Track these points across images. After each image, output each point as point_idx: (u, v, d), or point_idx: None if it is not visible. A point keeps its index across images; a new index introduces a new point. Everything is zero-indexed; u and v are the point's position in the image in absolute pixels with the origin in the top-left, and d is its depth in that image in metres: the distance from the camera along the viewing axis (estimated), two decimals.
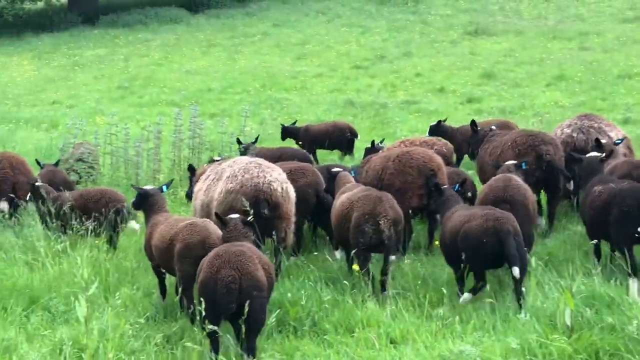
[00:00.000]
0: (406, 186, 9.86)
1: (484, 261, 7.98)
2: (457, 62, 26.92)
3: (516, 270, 7.53)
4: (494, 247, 7.76)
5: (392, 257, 8.61)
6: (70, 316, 7.92)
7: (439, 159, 10.31)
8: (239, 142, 13.31)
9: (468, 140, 13.05)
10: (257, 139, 13.51)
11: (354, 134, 16.13)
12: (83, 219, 10.11)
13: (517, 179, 9.34)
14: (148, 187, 9.37)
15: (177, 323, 7.81)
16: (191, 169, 11.73)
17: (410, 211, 9.92)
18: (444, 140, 12.38)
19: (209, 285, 6.74)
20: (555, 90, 21.55)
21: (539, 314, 7.20)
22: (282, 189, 9.17)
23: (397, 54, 28.96)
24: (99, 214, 10.14)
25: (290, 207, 9.32)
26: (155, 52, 32.52)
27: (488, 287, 8.18)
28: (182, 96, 23.56)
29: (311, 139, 16.16)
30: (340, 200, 9.14)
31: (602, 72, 23.38)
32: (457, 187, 9.53)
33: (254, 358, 6.80)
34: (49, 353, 6.99)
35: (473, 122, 12.89)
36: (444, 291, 8.23)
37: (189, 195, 10.93)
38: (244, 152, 12.54)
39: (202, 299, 6.69)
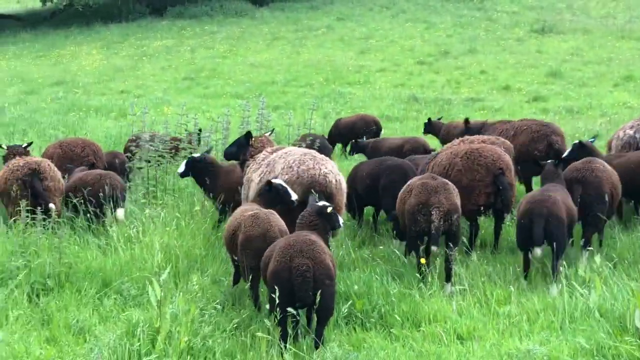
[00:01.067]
0: (474, 184, 9.82)
1: None
2: (523, 60, 26.68)
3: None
4: None
5: (434, 248, 8.64)
6: (142, 300, 8.09)
7: (508, 158, 10.23)
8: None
9: (459, 136, 13.14)
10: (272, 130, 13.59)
11: (379, 127, 16.29)
12: None
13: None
14: None
15: (245, 311, 7.91)
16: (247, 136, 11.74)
17: (480, 208, 9.88)
18: (502, 139, 12.24)
19: (283, 274, 6.79)
20: (623, 91, 21.26)
21: (608, 315, 7.17)
22: (336, 180, 9.23)
23: (462, 50, 28.80)
24: None
25: (342, 199, 9.41)
26: (221, 45, 32.75)
27: (555, 289, 8.17)
28: (246, 88, 23.74)
29: (338, 132, 16.31)
30: (405, 189, 9.19)
31: None
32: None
33: (321, 346, 6.90)
34: (123, 334, 7.12)
35: (466, 120, 13.91)
36: (511, 289, 8.24)
37: (228, 154, 10.84)
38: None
39: (275, 287, 6.79)
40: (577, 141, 11.18)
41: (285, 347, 6.87)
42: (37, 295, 8.63)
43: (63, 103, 22.26)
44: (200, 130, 14.08)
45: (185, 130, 13.74)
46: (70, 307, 8.25)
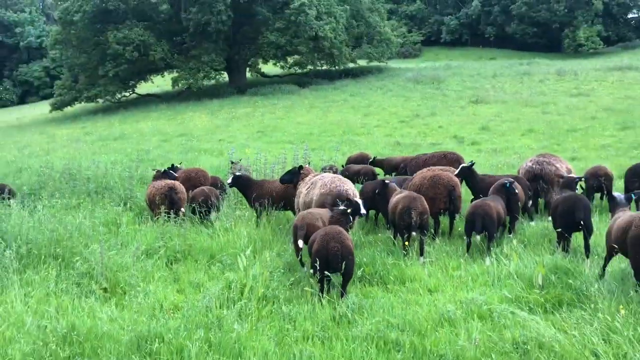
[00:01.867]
0: (436, 196, 9.78)
1: None
2: (465, 119, 26.57)
3: None
4: None
5: (413, 233, 8.61)
6: (234, 267, 8.13)
7: (456, 179, 10.20)
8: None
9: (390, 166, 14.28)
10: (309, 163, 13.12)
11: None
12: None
13: None
14: None
15: (297, 273, 7.92)
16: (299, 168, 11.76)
17: (440, 211, 9.84)
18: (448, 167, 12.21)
19: (323, 252, 6.85)
20: (527, 139, 21.06)
21: (522, 277, 7.08)
22: (353, 194, 9.36)
23: (427, 114, 28.71)
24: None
25: None
26: (279, 111, 32.97)
27: (488, 260, 8.09)
28: (295, 137, 23.83)
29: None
30: (394, 199, 9.18)
31: (557, 127, 22.76)
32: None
33: (345, 295, 6.90)
34: (223, 288, 7.16)
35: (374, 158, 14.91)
36: (461, 260, 8.18)
37: (283, 180, 10.57)
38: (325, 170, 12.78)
39: (317, 259, 6.82)
40: (463, 164, 11.17)
41: (322, 295, 6.88)
42: (171, 263, 8.72)
43: (185, 147, 22.50)
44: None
45: (232, 161, 13.69)
46: (191, 270, 8.32)
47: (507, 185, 9.43)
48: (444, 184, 9.81)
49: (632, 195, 7.72)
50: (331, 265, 6.83)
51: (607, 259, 7.09)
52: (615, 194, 7.61)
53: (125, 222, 10.53)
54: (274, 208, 10.59)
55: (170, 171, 12.43)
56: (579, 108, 27.35)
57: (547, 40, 69.46)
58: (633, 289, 6.30)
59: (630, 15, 72.78)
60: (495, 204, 8.79)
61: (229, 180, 11.24)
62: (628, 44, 65.28)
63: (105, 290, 7.48)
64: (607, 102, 28.25)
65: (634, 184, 10.86)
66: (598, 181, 11.06)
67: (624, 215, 6.95)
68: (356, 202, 8.38)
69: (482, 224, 8.35)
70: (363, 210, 8.33)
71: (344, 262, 6.80)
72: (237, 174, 11.33)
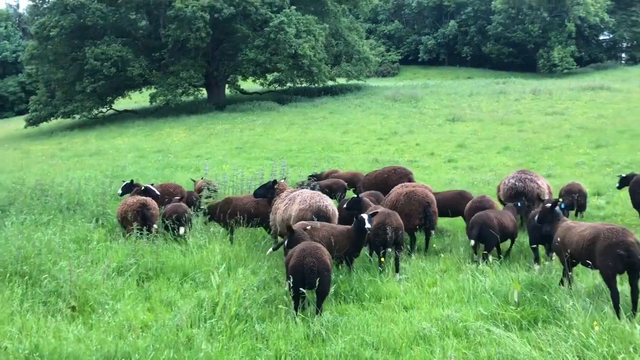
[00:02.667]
0: (412, 212, 9.74)
1: None
2: (441, 137, 26.75)
3: None
4: None
5: (389, 249, 8.53)
6: (207, 284, 7.95)
7: (432, 195, 10.17)
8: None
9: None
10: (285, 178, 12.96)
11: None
12: None
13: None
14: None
15: (272, 290, 7.77)
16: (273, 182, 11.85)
17: (415, 227, 9.78)
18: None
19: (299, 268, 6.73)
20: (503, 156, 21.24)
21: (498, 293, 7.03)
22: (332, 210, 9.29)
23: (405, 132, 28.87)
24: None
25: (335, 221, 9.34)
26: (258, 127, 32.87)
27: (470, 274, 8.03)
28: (274, 154, 23.71)
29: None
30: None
31: (533, 145, 23.02)
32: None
33: (319, 314, 6.76)
34: (195, 306, 6.99)
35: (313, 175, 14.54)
36: (437, 277, 8.11)
37: (257, 194, 10.46)
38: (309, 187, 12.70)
39: (292, 275, 6.69)
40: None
41: (296, 313, 6.73)
42: (143, 281, 8.49)
43: (161, 163, 22.23)
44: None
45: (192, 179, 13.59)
46: (163, 288, 8.11)
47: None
48: (420, 200, 9.77)
49: (562, 205, 8.17)
50: (307, 281, 6.69)
51: (569, 268, 7.11)
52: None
53: (97, 239, 10.27)
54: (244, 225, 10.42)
55: (152, 187, 12.18)
56: (554, 126, 27.75)
57: (522, 60, 70.77)
58: (607, 305, 6.28)
59: (601, 37, 74.60)
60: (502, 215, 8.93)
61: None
62: (600, 65, 66.77)
63: (73, 308, 7.24)
64: (581, 121, 28.72)
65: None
66: (572, 198, 11.14)
67: (579, 226, 7.08)
68: (361, 217, 8.12)
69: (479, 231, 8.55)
70: (367, 225, 7.96)
71: (319, 279, 6.66)
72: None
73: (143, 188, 12.01)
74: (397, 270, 8.41)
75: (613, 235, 6.46)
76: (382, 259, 8.45)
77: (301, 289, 6.70)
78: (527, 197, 10.74)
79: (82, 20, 40.68)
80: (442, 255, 9.21)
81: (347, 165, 20.18)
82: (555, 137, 24.75)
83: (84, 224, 11.07)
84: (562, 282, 7.17)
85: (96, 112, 44.90)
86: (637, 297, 6.31)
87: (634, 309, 6.25)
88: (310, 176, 14.48)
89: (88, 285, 7.69)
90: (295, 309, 6.78)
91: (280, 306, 6.92)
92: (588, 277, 7.40)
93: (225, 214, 10.64)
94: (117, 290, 7.84)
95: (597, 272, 7.55)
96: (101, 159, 24.62)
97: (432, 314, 6.77)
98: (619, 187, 12.02)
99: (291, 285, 6.70)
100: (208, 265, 8.71)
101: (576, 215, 11.47)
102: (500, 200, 11.41)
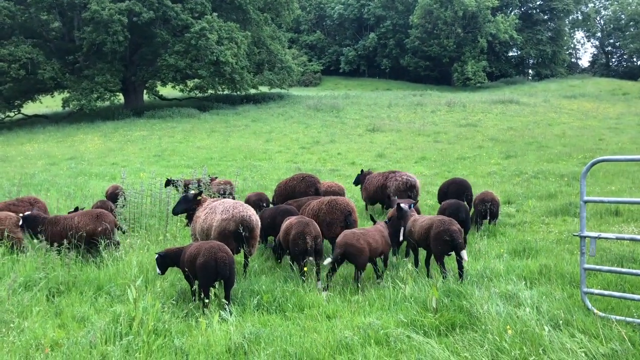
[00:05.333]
0: (333, 221, 9.79)
1: None
2: (362, 147, 27.23)
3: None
4: None
5: (310, 258, 8.53)
6: (123, 298, 7.61)
7: (353, 204, 10.29)
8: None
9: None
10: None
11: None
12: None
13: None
14: None
15: (191, 304, 7.53)
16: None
17: (337, 236, 9.82)
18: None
19: (211, 263, 7.22)
20: (421, 166, 21.90)
21: (417, 300, 7.17)
22: (256, 220, 9.05)
23: (327, 141, 29.17)
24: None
25: (258, 231, 9.16)
26: (178, 135, 32.14)
27: (389, 281, 8.14)
28: (194, 162, 23.23)
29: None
30: (285, 224, 9.14)
31: (448, 155, 23.90)
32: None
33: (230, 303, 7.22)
34: (110, 321, 6.65)
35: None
36: (358, 285, 8.17)
37: (176, 211, 10.01)
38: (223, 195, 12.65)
39: (202, 275, 7.28)
40: None
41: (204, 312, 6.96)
42: (53, 296, 8.00)
43: (74, 171, 21.19)
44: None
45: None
46: (76, 303, 7.68)
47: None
48: (341, 209, 9.85)
49: (411, 205, 9.71)
50: (221, 274, 7.21)
51: (415, 252, 9.18)
52: (403, 205, 9.45)
53: (1, 252, 9.59)
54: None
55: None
56: (468, 137, 28.99)
57: (438, 73, 73.62)
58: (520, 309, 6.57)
59: (510, 54, 78.95)
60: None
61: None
62: (509, 80, 70.64)
63: None
64: (492, 133, 30.17)
65: None
66: (485, 206, 11.62)
67: (422, 219, 8.85)
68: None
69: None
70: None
71: (228, 274, 7.22)
72: (27, 213, 10.13)
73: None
74: (317, 279, 8.40)
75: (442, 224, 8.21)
76: (306, 268, 8.42)
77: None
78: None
79: None
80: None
81: (270, 174, 20.11)
82: (469, 147, 25.85)
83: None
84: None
85: (3, 116, 42.43)
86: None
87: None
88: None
89: None
90: (206, 306, 7.17)
91: (200, 319, 6.72)
92: (501, 282, 7.70)
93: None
94: (24, 306, 7.33)
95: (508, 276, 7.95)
96: (8, 166, 23.15)
97: (354, 322, 6.79)
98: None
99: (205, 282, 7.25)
100: (124, 278, 8.33)
101: (489, 223, 11.96)
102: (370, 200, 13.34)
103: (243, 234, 8.69)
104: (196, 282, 7.50)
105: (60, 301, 7.75)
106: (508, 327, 6.04)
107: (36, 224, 9.83)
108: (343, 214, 9.77)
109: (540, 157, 22.23)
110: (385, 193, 13.29)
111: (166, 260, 7.93)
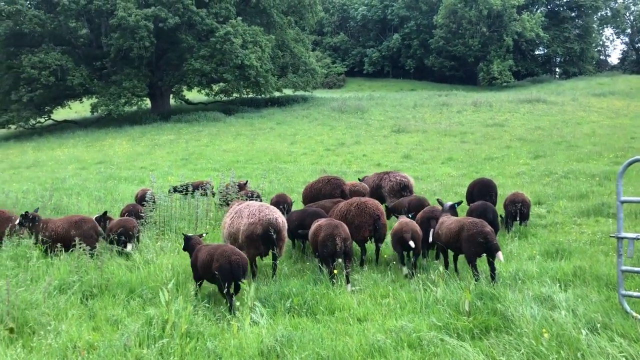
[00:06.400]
0: (362, 224, 9.74)
1: None
2: (387, 148, 27.12)
3: None
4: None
5: (339, 260, 8.49)
6: (156, 301, 7.68)
7: (382, 207, 10.23)
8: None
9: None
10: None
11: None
12: None
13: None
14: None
15: (223, 307, 7.57)
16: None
17: (366, 239, 9.79)
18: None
19: (226, 267, 7.52)
20: (447, 167, 21.70)
21: (450, 303, 7.10)
22: (282, 222, 9.11)
23: (352, 142, 29.12)
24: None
25: (285, 233, 9.22)
26: (205, 138, 32.43)
27: (420, 282, 8.07)
28: (221, 165, 23.41)
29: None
30: (314, 227, 9.12)
31: (475, 156, 23.65)
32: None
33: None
34: (143, 324, 6.72)
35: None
36: (389, 288, 8.12)
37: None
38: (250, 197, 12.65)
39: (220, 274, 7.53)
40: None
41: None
42: (87, 299, 8.13)
43: (103, 175, 21.52)
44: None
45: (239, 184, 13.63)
46: (109, 306, 7.79)
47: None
48: (370, 212, 9.80)
49: (455, 204, 9.76)
50: (235, 275, 7.50)
51: (445, 254, 9.22)
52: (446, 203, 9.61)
53: (36, 256, 9.77)
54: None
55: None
56: (495, 137, 28.65)
57: (463, 73, 72.92)
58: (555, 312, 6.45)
59: (537, 52, 77.85)
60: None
61: None
62: (536, 78, 69.60)
63: (11, 330, 6.84)
64: (520, 132, 29.77)
65: None
66: (515, 207, 11.45)
67: (449, 221, 8.80)
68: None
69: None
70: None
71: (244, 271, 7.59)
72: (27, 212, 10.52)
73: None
74: (347, 281, 8.37)
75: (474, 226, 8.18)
76: (335, 271, 8.40)
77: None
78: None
79: (18, 27, 39.16)
80: (392, 265, 9.25)
81: (295, 176, 20.14)
82: (497, 147, 25.54)
83: (22, 240, 10.53)
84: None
85: (33, 122, 43.26)
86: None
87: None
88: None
89: (28, 305, 7.29)
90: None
91: (232, 322, 6.75)
92: (534, 285, 7.58)
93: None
94: (59, 309, 7.47)
95: (542, 280, 7.82)
96: (39, 171, 23.64)
97: (385, 325, 6.75)
98: None
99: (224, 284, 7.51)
100: (156, 281, 8.43)
101: (520, 224, 11.78)
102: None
103: (273, 236, 8.72)
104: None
105: (93, 304, 7.88)
106: (544, 330, 5.93)
107: (33, 223, 10.23)
108: (372, 218, 9.71)
109: (570, 157, 21.84)
110: (380, 193, 13.55)
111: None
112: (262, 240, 8.78)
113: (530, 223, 12.06)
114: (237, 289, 7.70)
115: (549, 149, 23.98)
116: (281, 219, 9.11)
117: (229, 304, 7.43)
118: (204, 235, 9.25)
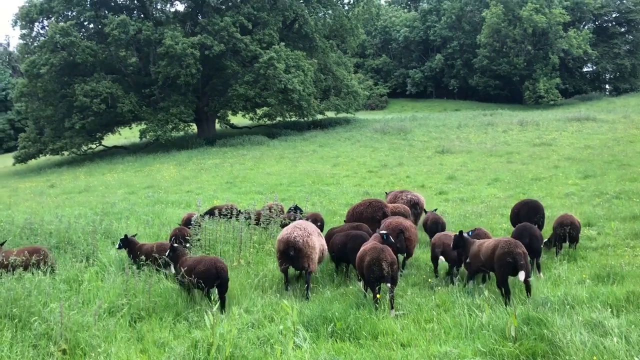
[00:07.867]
0: None
1: None
2: (431, 169, 26.89)
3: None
4: None
5: (388, 285, 8.44)
6: (201, 324, 7.83)
7: (408, 223, 10.78)
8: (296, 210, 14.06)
9: None
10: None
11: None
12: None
13: None
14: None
15: (267, 329, 7.64)
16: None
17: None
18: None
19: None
20: (493, 188, 21.33)
21: (495, 328, 6.97)
22: (304, 241, 9.70)
23: (394, 164, 29.02)
24: None
25: (308, 251, 9.70)
26: (249, 162, 32.91)
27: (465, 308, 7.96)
28: (264, 188, 23.69)
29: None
30: (361, 250, 9.09)
31: (522, 176, 23.18)
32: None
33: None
34: (189, 347, 6.86)
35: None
36: (433, 313, 8.04)
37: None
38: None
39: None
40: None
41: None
42: (135, 321, 8.35)
43: (151, 199, 22.11)
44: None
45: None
46: (156, 329, 7.98)
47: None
48: (393, 227, 10.31)
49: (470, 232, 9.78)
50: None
51: (473, 274, 9.32)
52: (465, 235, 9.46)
53: (88, 279, 10.12)
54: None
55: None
56: (542, 157, 28.06)
57: (508, 92, 71.98)
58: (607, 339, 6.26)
59: (585, 69, 76.18)
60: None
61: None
62: (584, 96, 68.03)
63: (64, 352, 7.10)
64: (569, 152, 29.06)
65: None
66: (564, 230, 11.18)
67: (489, 241, 8.85)
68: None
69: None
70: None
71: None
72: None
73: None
74: (391, 307, 8.32)
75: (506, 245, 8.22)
76: (378, 295, 8.37)
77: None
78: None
79: (72, 58, 40.99)
80: (437, 290, 9.16)
81: (338, 199, 20.21)
82: (544, 167, 24.99)
83: (74, 264, 10.92)
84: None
85: (85, 148, 44.93)
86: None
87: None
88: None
89: (79, 327, 7.56)
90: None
91: (275, 346, 6.82)
92: (584, 310, 7.37)
93: None
94: (109, 332, 7.70)
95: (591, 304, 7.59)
96: (90, 196, 24.47)
97: (430, 351, 6.68)
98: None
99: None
100: (201, 304, 8.60)
101: (570, 247, 11.48)
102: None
103: (291, 253, 9.52)
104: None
105: (141, 327, 8.08)
106: (595, 358, 5.76)
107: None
108: (394, 232, 10.14)
109: (622, 177, 21.15)
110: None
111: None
112: (285, 255, 9.70)
113: (580, 245, 11.73)
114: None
115: (599, 169, 23.30)
116: (300, 238, 9.68)
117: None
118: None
